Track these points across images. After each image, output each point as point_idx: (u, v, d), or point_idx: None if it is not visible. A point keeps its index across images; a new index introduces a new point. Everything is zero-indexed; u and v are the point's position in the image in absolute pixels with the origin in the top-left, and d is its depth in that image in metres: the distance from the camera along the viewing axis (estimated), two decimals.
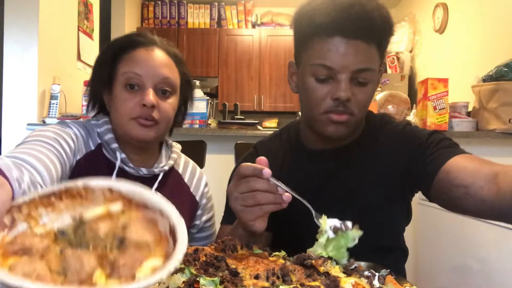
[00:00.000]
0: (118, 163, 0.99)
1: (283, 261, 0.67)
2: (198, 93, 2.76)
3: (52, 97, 2.54)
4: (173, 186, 1.08)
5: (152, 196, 0.53)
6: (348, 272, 0.62)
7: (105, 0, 4.29)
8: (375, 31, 0.86)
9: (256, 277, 0.58)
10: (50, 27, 2.59)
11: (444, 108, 2.26)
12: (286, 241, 0.91)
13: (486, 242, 1.62)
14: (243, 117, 2.99)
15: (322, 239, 0.71)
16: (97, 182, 0.53)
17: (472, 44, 3.54)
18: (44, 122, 2.42)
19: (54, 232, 0.49)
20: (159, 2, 5.40)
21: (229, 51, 5.31)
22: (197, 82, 3.17)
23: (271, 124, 5.24)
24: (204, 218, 1.15)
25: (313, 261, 0.63)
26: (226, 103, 4.25)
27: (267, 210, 0.74)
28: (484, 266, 1.63)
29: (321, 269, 0.62)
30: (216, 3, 5.44)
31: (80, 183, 0.52)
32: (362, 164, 0.96)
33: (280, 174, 0.88)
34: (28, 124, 2.35)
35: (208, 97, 2.67)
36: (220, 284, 0.53)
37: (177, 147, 1.15)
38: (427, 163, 0.88)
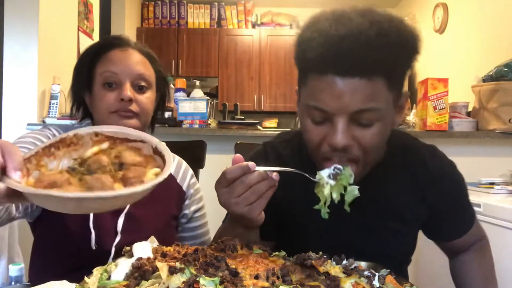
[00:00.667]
0: None
1: (283, 261, 0.67)
2: (198, 93, 2.76)
3: (52, 97, 2.54)
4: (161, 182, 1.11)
5: (131, 131, 0.65)
6: (348, 272, 0.62)
7: (105, 0, 4.29)
8: (379, 63, 0.71)
9: (256, 277, 0.58)
10: (50, 27, 2.59)
11: (444, 108, 2.26)
12: (287, 241, 0.91)
13: None
14: (243, 117, 2.99)
15: (326, 190, 0.74)
16: (84, 130, 0.64)
17: (472, 44, 3.54)
18: (44, 122, 2.42)
19: (65, 170, 0.60)
20: (159, 2, 5.40)
21: (229, 51, 5.31)
22: (197, 82, 3.18)
23: (271, 124, 5.24)
24: (193, 208, 1.18)
25: (313, 261, 0.63)
26: (226, 103, 4.25)
27: (269, 195, 0.74)
28: None
29: (321, 269, 0.62)
30: (216, 3, 5.44)
31: (71, 133, 0.63)
32: (379, 194, 0.90)
33: (292, 182, 0.86)
34: (28, 124, 2.34)
35: (208, 97, 2.66)
36: (220, 284, 0.53)
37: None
38: (442, 227, 0.97)
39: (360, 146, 0.76)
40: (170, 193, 1.13)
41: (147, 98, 1.06)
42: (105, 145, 0.64)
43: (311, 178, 0.77)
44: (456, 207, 0.96)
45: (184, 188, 1.17)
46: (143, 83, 1.05)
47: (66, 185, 0.56)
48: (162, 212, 1.10)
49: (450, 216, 0.96)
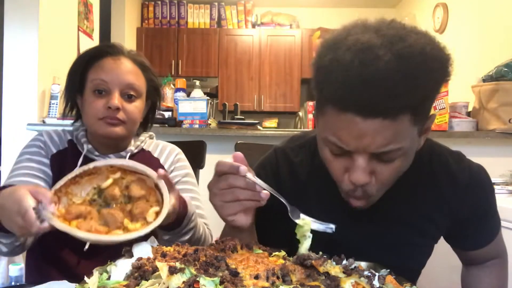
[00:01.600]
0: (84, 152, 1.13)
1: (283, 261, 0.67)
2: (198, 93, 2.76)
3: (52, 97, 2.54)
4: (143, 162, 1.13)
5: (138, 165, 0.81)
6: (348, 272, 0.62)
7: (105, 0, 4.29)
8: (406, 104, 0.65)
9: (256, 277, 0.58)
10: (50, 27, 2.59)
11: (444, 108, 2.26)
12: (286, 241, 0.91)
13: None
14: (243, 117, 2.99)
15: (306, 244, 0.71)
16: (101, 162, 0.81)
17: (472, 44, 3.54)
18: (44, 122, 2.42)
19: (88, 200, 0.78)
20: (159, 2, 5.40)
21: (229, 51, 5.31)
22: (197, 82, 3.18)
23: (271, 124, 5.24)
24: (175, 180, 1.18)
25: (313, 261, 0.63)
26: (226, 103, 4.25)
27: (247, 206, 0.74)
28: None
29: (321, 269, 0.62)
30: (216, 3, 5.44)
31: (91, 165, 0.80)
32: (401, 207, 0.87)
33: (305, 192, 0.89)
34: (28, 124, 2.35)
35: (208, 97, 2.66)
36: (220, 284, 0.53)
37: (143, 134, 1.25)
38: (467, 237, 0.95)
39: (377, 181, 0.73)
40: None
41: (135, 107, 1.10)
42: (117, 174, 0.81)
43: (292, 218, 0.73)
44: (481, 216, 0.93)
45: (166, 167, 1.20)
46: (132, 92, 1.09)
47: (88, 218, 0.74)
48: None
49: (474, 225, 0.93)
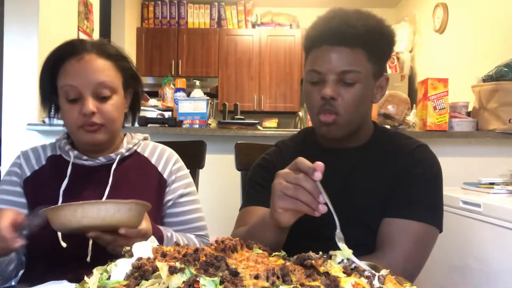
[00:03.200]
0: (71, 160, 1.10)
1: (283, 261, 0.67)
2: (198, 93, 2.76)
3: None
4: (139, 167, 1.14)
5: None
6: (348, 272, 0.62)
7: (105, 0, 4.29)
8: (358, 37, 0.95)
9: (256, 277, 0.58)
10: (50, 27, 2.59)
11: (444, 108, 2.26)
12: (289, 241, 0.92)
13: (486, 242, 1.62)
14: (243, 117, 2.98)
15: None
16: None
17: (472, 44, 3.54)
18: (44, 122, 2.42)
19: None
20: (159, 2, 5.40)
21: (229, 51, 5.31)
22: (197, 82, 3.17)
23: (271, 124, 5.24)
24: (178, 192, 1.16)
25: (313, 261, 0.63)
26: (226, 103, 4.25)
27: (300, 208, 0.74)
28: (484, 266, 1.63)
29: (321, 269, 0.62)
30: (216, 3, 5.44)
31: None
32: (370, 167, 1.03)
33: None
34: (28, 124, 2.35)
35: (208, 97, 2.66)
36: (220, 284, 0.53)
37: (137, 137, 1.21)
38: (391, 200, 0.97)
39: (343, 101, 0.96)
40: (150, 183, 1.13)
41: (112, 105, 1.05)
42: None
43: (337, 241, 0.73)
44: (409, 191, 0.96)
45: (165, 176, 1.16)
46: (104, 91, 1.04)
47: None
48: None
49: (399, 195, 0.96)
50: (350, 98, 0.96)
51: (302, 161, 0.75)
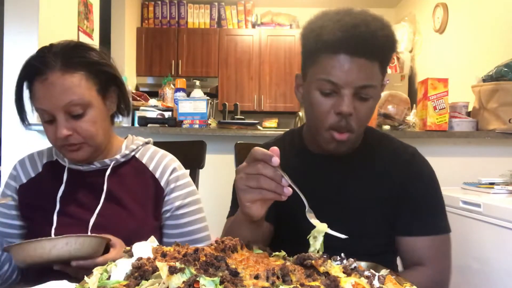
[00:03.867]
0: (67, 165, 1.10)
1: (283, 261, 0.67)
2: (198, 93, 2.76)
3: None
4: (135, 174, 1.12)
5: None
6: (348, 272, 0.62)
7: (105, 0, 4.29)
8: (379, 49, 0.89)
9: (256, 277, 0.58)
10: (50, 27, 2.59)
11: (444, 108, 2.26)
12: (287, 241, 0.91)
13: (486, 242, 1.62)
14: (243, 117, 2.99)
15: (317, 244, 0.73)
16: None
17: (472, 44, 3.54)
18: None
19: None
20: (159, 2, 5.40)
21: (229, 51, 5.31)
22: (197, 82, 3.17)
23: (271, 124, 5.24)
24: (176, 203, 1.12)
25: (313, 261, 0.63)
26: (226, 103, 4.25)
27: (267, 196, 0.74)
28: (484, 266, 1.63)
29: (321, 269, 0.62)
30: (216, 3, 5.44)
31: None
32: (363, 174, 1.02)
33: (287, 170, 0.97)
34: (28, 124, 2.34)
35: (208, 97, 2.66)
36: (220, 284, 0.53)
37: (137, 141, 1.17)
38: (403, 219, 0.99)
39: (357, 117, 0.91)
40: (147, 190, 1.11)
41: (88, 122, 1.01)
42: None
43: (308, 218, 0.76)
44: (423, 207, 0.99)
45: (163, 184, 1.12)
46: (76, 109, 0.99)
47: None
48: (137, 212, 1.08)
49: (415, 211, 0.99)
50: (364, 114, 0.92)
51: (257, 150, 0.74)
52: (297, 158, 1.06)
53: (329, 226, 0.86)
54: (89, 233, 1.02)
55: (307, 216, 0.74)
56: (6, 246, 0.85)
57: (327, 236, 0.73)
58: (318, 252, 0.72)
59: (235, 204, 1.02)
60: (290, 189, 0.73)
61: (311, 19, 0.95)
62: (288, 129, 1.18)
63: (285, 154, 1.03)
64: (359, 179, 1.02)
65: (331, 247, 0.72)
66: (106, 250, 0.92)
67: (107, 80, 1.06)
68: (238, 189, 0.77)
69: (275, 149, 0.74)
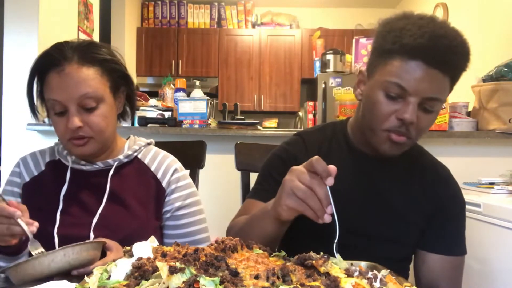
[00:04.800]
0: (70, 165, 1.10)
1: (283, 261, 0.67)
2: (198, 93, 2.76)
3: None
4: (137, 175, 1.13)
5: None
6: (349, 272, 0.62)
7: (105, 0, 4.29)
8: (454, 65, 0.89)
9: (256, 277, 0.58)
10: (50, 27, 2.59)
11: (444, 108, 2.26)
12: (287, 240, 0.91)
13: (486, 242, 1.62)
14: (243, 117, 2.98)
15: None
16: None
17: (472, 44, 3.54)
18: (44, 122, 2.42)
19: None
20: (159, 2, 5.40)
21: (229, 51, 5.31)
22: (197, 82, 3.17)
23: (271, 124, 5.24)
24: (177, 204, 1.13)
25: (313, 262, 0.63)
26: (226, 103, 4.25)
27: (306, 212, 0.73)
28: (484, 266, 1.63)
29: (322, 269, 0.62)
30: (216, 3, 5.44)
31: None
32: (406, 181, 1.02)
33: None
34: (28, 124, 2.35)
35: (208, 97, 2.66)
36: (220, 284, 0.53)
37: (139, 142, 1.18)
38: (431, 233, 1.01)
39: (417, 127, 0.90)
40: (149, 191, 1.11)
41: (99, 116, 1.02)
42: None
43: (334, 248, 0.74)
44: (453, 228, 1.02)
45: (164, 184, 1.13)
46: (90, 102, 1.00)
47: None
48: (139, 212, 1.08)
49: (445, 231, 1.01)
50: (425, 126, 0.92)
51: (320, 161, 0.72)
52: (342, 153, 1.04)
53: (366, 227, 0.95)
54: (91, 233, 1.02)
55: (334, 248, 0.73)
56: (2, 268, 0.83)
57: (350, 235, 0.72)
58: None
59: (264, 187, 1.03)
60: (330, 218, 0.72)
61: (390, 18, 0.94)
62: (329, 122, 1.17)
63: (326, 143, 1.07)
64: (403, 185, 1.01)
65: (354, 246, 0.72)
66: (103, 253, 0.92)
67: (119, 78, 1.09)
68: (283, 189, 0.75)
69: (333, 168, 0.72)
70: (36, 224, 0.90)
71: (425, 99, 0.87)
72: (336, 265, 0.67)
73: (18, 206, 0.89)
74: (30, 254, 0.98)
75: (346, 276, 0.61)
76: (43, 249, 0.90)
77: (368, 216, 0.99)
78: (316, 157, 0.73)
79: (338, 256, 0.71)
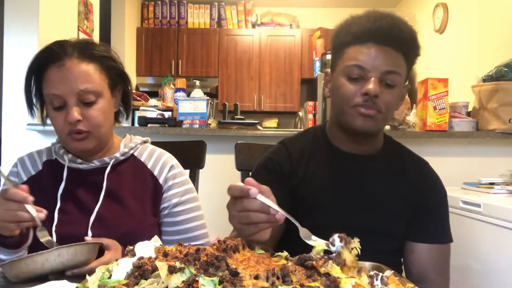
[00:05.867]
0: (66, 164, 1.10)
1: (285, 262, 0.67)
2: (198, 93, 2.76)
3: None
4: (134, 172, 1.14)
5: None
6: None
7: (105, 0, 4.29)
8: (403, 41, 0.97)
9: (256, 277, 0.58)
10: (50, 27, 2.59)
11: (444, 108, 2.26)
12: (288, 240, 0.92)
13: (486, 242, 1.62)
14: (243, 117, 2.98)
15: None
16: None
17: (472, 44, 3.54)
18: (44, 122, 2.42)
19: None
20: (159, 2, 5.40)
21: (229, 51, 5.30)
22: (197, 82, 3.17)
23: (271, 124, 5.24)
24: (174, 201, 1.13)
25: (314, 262, 0.63)
26: (226, 103, 4.25)
27: (263, 228, 0.74)
28: (484, 266, 1.63)
29: (322, 270, 0.62)
30: (216, 3, 5.44)
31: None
32: (389, 174, 1.06)
33: (307, 169, 1.04)
34: (28, 124, 2.34)
35: (208, 97, 2.66)
36: (219, 284, 0.53)
37: (135, 140, 1.19)
38: (416, 225, 1.04)
39: (384, 101, 0.96)
40: (146, 188, 1.12)
41: (98, 110, 1.03)
42: None
43: (304, 239, 0.74)
44: (437, 218, 1.06)
45: (161, 181, 1.13)
46: (89, 97, 1.02)
47: None
48: (136, 210, 1.09)
49: (430, 221, 1.05)
50: (389, 99, 0.97)
51: (233, 187, 0.74)
52: (323, 154, 1.09)
53: (354, 221, 0.98)
54: (89, 231, 1.03)
55: (302, 237, 0.73)
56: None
57: (338, 231, 0.72)
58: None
59: None
60: (282, 214, 0.72)
61: (340, 21, 1.04)
62: (310, 127, 1.24)
63: (308, 147, 1.11)
64: (385, 179, 1.05)
65: None
66: (101, 253, 0.92)
67: (116, 76, 1.10)
68: (235, 227, 0.77)
69: (250, 180, 0.74)
70: (45, 211, 0.91)
71: (384, 74, 0.95)
72: (316, 252, 0.68)
73: (27, 192, 0.90)
74: (29, 251, 0.98)
75: (347, 276, 0.61)
76: (50, 237, 0.92)
77: (354, 211, 1.02)
78: (230, 185, 0.74)
79: (311, 241, 0.71)
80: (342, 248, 0.66)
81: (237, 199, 0.74)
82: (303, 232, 0.74)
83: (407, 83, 1.05)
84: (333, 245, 0.68)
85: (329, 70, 1.09)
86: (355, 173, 1.05)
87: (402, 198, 1.05)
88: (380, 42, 0.95)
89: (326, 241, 0.69)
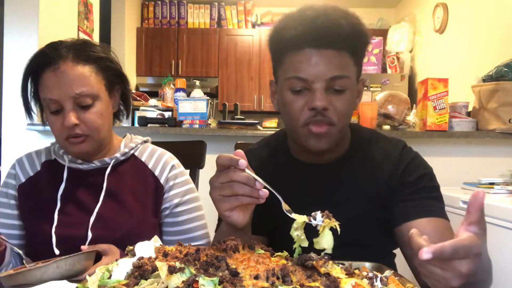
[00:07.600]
0: (66, 164, 1.10)
1: (285, 262, 0.67)
2: (198, 93, 2.76)
3: None
4: (135, 172, 1.13)
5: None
6: (350, 272, 0.62)
7: (105, 0, 4.29)
8: (345, 38, 0.86)
9: (256, 277, 0.58)
10: (50, 27, 2.59)
11: (444, 108, 2.26)
12: (286, 243, 0.91)
13: (486, 242, 1.62)
14: (243, 117, 2.98)
15: (303, 241, 0.71)
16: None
17: (472, 44, 3.54)
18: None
19: None
20: (159, 2, 5.40)
21: (229, 51, 5.30)
22: (197, 82, 3.17)
23: (271, 124, 5.23)
24: (175, 201, 1.13)
25: (314, 262, 0.63)
26: (226, 103, 4.24)
27: (244, 202, 0.73)
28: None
29: (322, 270, 0.62)
30: (216, 3, 5.44)
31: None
32: (353, 179, 0.97)
33: (269, 182, 0.90)
34: (28, 124, 2.34)
35: (208, 97, 2.66)
36: (219, 284, 0.53)
37: (135, 140, 1.18)
38: (399, 207, 0.93)
39: (335, 111, 0.87)
40: (147, 188, 1.11)
41: (95, 113, 1.02)
42: None
43: (286, 213, 0.73)
44: (422, 193, 0.94)
45: (162, 181, 1.12)
46: (86, 100, 1.00)
47: None
48: (137, 210, 1.08)
49: (414, 199, 0.93)
50: (342, 107, 0.88)
51: (222, 157, 0.72)
52: (283, 165, 1.02)
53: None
54: (89, 232, 1.02)
55: (285, 211, 0.72)
56: None
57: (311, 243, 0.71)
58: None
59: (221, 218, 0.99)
60: (266, 191, 0.71)
61: (275, 23, 0.93)
62: (273, 132, 1.14)
63: (271, 159, 1.04)
64: (350, 184, 0.97)
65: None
66: (98, 258, 0.92)
67: (114, 77, 1.09)
68: (214, 200, 0.75)
69: (239, 152, 0.73)
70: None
71: (330, 81, 0.85)
72: (297, 224, 0.68)
73: None
74: (13, 266, 1.00)
75: (347, 277, 0.61)
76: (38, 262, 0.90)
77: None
78: (218, 156, 0.73)
79: (293, 215, 0.70)
80: (323, 223, 0.67)
81: (222, 172, 0.73)
82: (285, 206, 0.73)
83: (361, 77, 0.95)
84: (315, 219, 0.68)
85: (273, 79, 1.00)
86: (314, 184, 0.98)
87: (371, 198, 0.96)
88: (318, 45, 0.84)
89: (307, 216, 0.69)
